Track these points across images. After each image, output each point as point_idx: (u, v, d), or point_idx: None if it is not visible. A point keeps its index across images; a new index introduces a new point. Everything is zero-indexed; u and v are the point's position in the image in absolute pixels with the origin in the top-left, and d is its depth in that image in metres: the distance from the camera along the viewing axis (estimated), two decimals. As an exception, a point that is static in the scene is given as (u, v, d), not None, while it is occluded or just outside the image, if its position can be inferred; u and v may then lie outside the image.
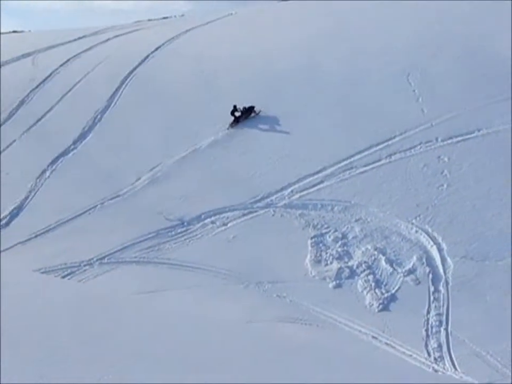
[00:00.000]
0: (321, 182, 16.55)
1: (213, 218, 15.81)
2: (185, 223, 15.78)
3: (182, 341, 6.35)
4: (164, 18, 39.99)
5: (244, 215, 15.80)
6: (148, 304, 9.59)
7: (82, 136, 20.56)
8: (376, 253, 13.71)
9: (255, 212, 15.89)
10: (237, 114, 22.55)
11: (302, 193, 16.23)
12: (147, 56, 25.82)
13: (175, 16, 40.86)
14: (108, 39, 29.01)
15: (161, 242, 15.09)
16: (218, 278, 13.52)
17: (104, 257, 14.54)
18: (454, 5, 29.65)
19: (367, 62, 23.27)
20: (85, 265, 14.28)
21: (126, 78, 23.79)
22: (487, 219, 14.04)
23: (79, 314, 6.16)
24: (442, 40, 24.47)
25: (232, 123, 22.39)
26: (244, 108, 22.70)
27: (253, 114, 22.91)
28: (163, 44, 27.19)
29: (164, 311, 8.11)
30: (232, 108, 22.29)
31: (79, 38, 29.45)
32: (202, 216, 15.91)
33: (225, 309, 11.64)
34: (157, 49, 26.66)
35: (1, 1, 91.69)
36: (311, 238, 14.47)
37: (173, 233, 15.44)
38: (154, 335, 6.22)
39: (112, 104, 22.19)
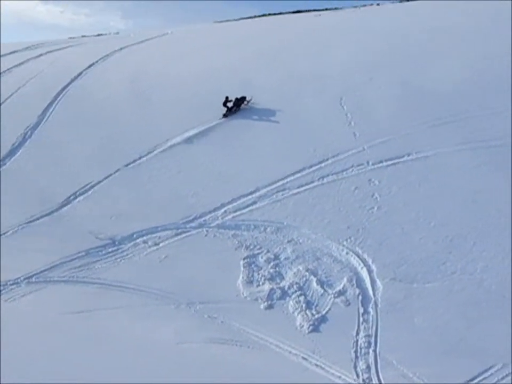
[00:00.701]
0: (255, 202, 16.82)
1: (144, 237, 15.79)
2: (117, 242, 15.67)
3: (112, 361, 6.32)
4: (98, 35, 39.78)
5: (176, 234, 15.84)
6: (77, 324, 9.46)
7: (12, 152, 20.16)
8: (307, 274, 14.01)
9: (188, 231, 15.95)
10: (229, 104, 23.70)
11: (235, 214, 16.43)
12: (80, 73, 25.62)
13: (109, 34, 40.75)
14: (41, 55, 28.67)
15: (91, 261, 14.92)
16: (149, 298, 13.44)
17: (31, 276, 14.21)
18: (390, 32, 31.01)
19: (302, 85, 23.95)
20: (11, 284, 13.90)
21: (58, 94, 23.50)
22: (415, 242, 14.58)
23: (3, 334, 6.02)
24: (376, 66, 25.51)
25: (225, 113, 23.47)
26: (236, 99, 23.94)
27: (245, 103, 24.19)
28: (97, 61, 27.06)
29: (93, 332, 8.03)
30: (224, 99, 23.40)
31: (11, 52, 28.89)
32: (134, 236, 15.86)
33: (156, 330, 11.59)
34: (90, 66, 26.49)
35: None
36: (244, 259, 14.65)
37: (104, 252, 15.30)
38: (82, 355, 6.16)
39: (44, 121, 21.85)
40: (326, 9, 53.16)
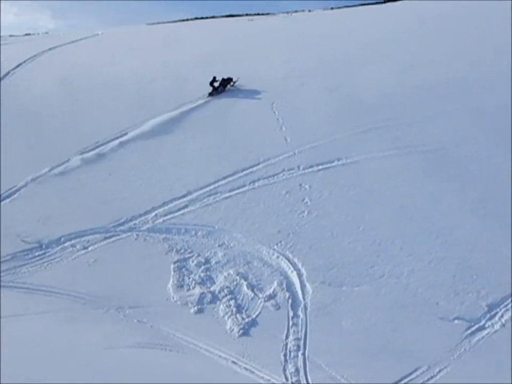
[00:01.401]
0: (186, 206, 16.86)
1: (73, 241, 15.55)
2: (44, 246, 15.38)
3: (39, 366, 6.27)
4: (27, 35, 38.84)
5: (105, 238, 15.67)
6: (3, 329, 9.25)
7: None
8: (238, 278, 14.15)
9: (118, 235, 15.83)
10: (216, 84, 25.01)
11: (166, 217, 16.42)
12: (8, 73, 24.95)
13: (38, 34, 39.82)
14: (-36, 55, 27.76)
15: (18, 265, 14.63)
16: (77, 303, 13.25)
17: (-46, 281, 13.80)
18: (321, 39, 31.70)
19: (234, 88, 24.27)
20: None
21: (-17, 95, 22.84)
22: (344, 246, 14.95)
23: None
24: (308, 72, 26.08)
25: (211, 92, 24.82)
26: (223, 79, 25.30)
27: (231, 83, 25.57)
28: (25, 61, 26.44)
29: (20, 336, 7.88)
30: (211, 79, 24.74)
31: None
32: (62, 239, 15.60)
33: (84, 335, 11.41)
34: (18, 66, 25.85)
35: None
36: (174, 263, 14.65)
37: (30, 256, 15.01)
38: (10, 360, 6.08)
39: (-33, 122, 21.17)
40: (258, 14, 53.85)
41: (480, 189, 16.92)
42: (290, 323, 12.80)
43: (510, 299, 12.87)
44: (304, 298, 13.45)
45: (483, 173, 17.68)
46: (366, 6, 59.62)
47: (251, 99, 23.64)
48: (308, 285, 13.78)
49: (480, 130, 20.23)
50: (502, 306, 12.78)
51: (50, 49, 29.50)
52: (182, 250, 15.14)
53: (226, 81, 25.56)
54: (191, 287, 13.93)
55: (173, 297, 13.62)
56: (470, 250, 14.44)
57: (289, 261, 14.56)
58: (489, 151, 18.79)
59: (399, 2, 59.80)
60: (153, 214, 16.60)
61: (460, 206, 16.18)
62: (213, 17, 52.74)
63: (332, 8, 59.62)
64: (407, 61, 28.71)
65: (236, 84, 25.70)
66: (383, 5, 59.07)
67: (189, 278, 14.19)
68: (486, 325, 12.42)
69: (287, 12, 54.13)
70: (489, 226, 15.23)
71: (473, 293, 13.20)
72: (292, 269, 14.30)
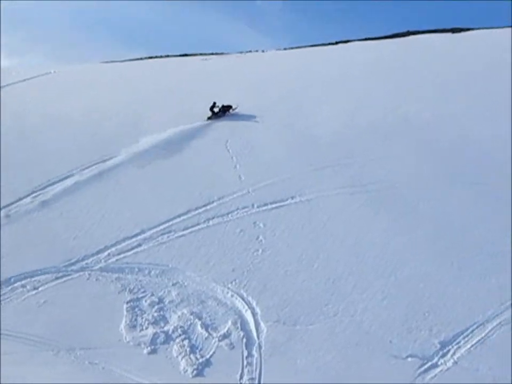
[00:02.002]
0: (139, 245, 16.75)
1: (23, 281, 15.18)
2: (-7, 287, 15.03)
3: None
4: (-23, 73, 38.28)
5: (56, 278, 15.36)
6: None
7: None
8: (192, 317, 14.05)
9: (69, 275, 15.54)
10: (215, 110, 26.70)
11: (119, 257, 16.25)
12: (-44, 112, 24.65)
13: (-11, 71, 39.32)
14: None
15: (-36, 306, 14.23)
16: (27, 345, 12.92)
17: None
18: (274, 78, 32.40)
19: (187, 127, 24.53)
20: None
21: None
22: (298, 284, 15.04)
23: None
24: (261, 110, 26.55)
25: (210, 117, 26.51)
26: (223, 106, 27.05)
27: (230, 111, 27.28)
28: (-25, 99, 26.16)
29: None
30: (211, 104, 26.48)
31: None
32: (12, 280, 15.22)
33: (33, 378, 11.13)
34: (-33, 104, 25.57)
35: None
36: (127, 303, 14.44)
37: (-22, 297, 14.62)
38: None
39: None
40: (212, 53, 54.78)
41: (430, 227, 17.39)
42: (245, 363, 12.73)
43: (461, 336, 13.15)
44: (258, 337, 13.42)
45: (432, 211, 18.21)
46: (317, 47, 61.39)
47: (205, 137, 23.88)
48: (262, 324, 13.77)
49: (429, 169, 20.94)
50: (454, 343, 13.02)
51: (2, 87, 29.36)
52: (135, 290, 14.98)
53: (226, 108, 27.14)
54: (144, 327, 13.74)
55: (126, 338, 13.39)
56: (422, 288, 14.74)
57: (243, 299, 14.56)
58: (438, 190, 19.42)
59: (350, 43, 61.84)
60: (105, 253, 16.40)
61: (410, 243, 16.57)
62: (167, 56, 53.34)
63: (284, 49, 61.18)
64: (359, 100, 29.58)
65: (235, 111, 27.14)
66: (335, 46, 60.92)
67: (142, 318, 14.01)
68: (439, 363, 12.60)
69: (241, 52, 55.29)
70: (440, 264, 15.63)
71: (425, 330, 13.43)
72: (246, 307, 14.29)
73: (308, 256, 16.20)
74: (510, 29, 60.58)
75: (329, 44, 64.08)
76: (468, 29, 62.20)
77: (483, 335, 13.09)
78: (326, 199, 19.01)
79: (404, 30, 66.66)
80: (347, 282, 15.10)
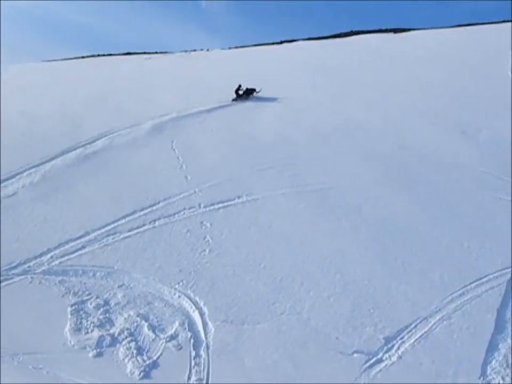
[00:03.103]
0: (83, 247, 16.50)
1: (-38, 285, 14.80)
2: None
3: None
4: None
5: (-3, 282, 15.09)
6: None
7: None
8: (138, 319, 13.94)
9: (11, 279, 15.16)
10: (240, 92, 30.16)
11: (62, 259, 15.94)
12: None
13: None
14: None
15: None
16: (-33, 351, 12.64)
17: None
18: (219, 78, 32.45)
19: (133, 127, 24.29)
20: None
21: None
22: (245, 284, 15.11)
23: None
24: (208, 109, 26.59)
25: (234, 98, 29.78)
26: (247, 88, 30.58)
27: (254, 94, 30.71)
28: None
29: None
30: (237, 86, 29.98)
31: None
32: (-50, 284, 14.79)
33: (-25, 383, 10.88)
34: None
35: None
36: (71, 306, 14.20)
37: None
38: None
39: None
40: (156, 52, 54.61)
41: (373, 225, 17.74)
42: (193, 363, 12.71)
43: (405, 331, 13.45)
44: (206, 338, 13.41)
45: (375, 210, 18.58)
46: (262, 46, 61.92)
47: (150, 137, 23.73)
48: (210, 324, 13.77)
49: (371, 170, 21.43)
50: (398, 338, 13.30)
51: None
52: (80, 293, 14.74)
53: (250, 91, 30.41)
54: (89, 330, 13.54)
55: (70, 342, 13.17)
56: (367, 285, 15.02)
57: (191, 300, 14.53)
58: (380, 190, 19.88)
59: (295, 43, 62.48)
60: (48, 255, 16.07)
61: (355, 242, 16.87)
62: (110, 54, 52.80)
63: (229, 48, 61.47)
64: (302, 101, 29.96)
65: (258, 94, 30.45)
66: (280, 46, 61.52)
67: (87, 321, 13.80)
68: (384, 358, 12.83)
69: (185, 51, 55.25)
70: (384, 261, 15.96)
71: (370, 326, 13.67)
72: (194, 308, 14.27)
73: (255, 255, 16.30)
74: (450, 29, 62.58)
75: (274, 43, 64.79)
76: (409, 29, 63.94)
77: (426, 329, 13.42)
78: (272, 199, 19.22)
79: (347, 30, 68.09)
80: (294, 281, 15.25)
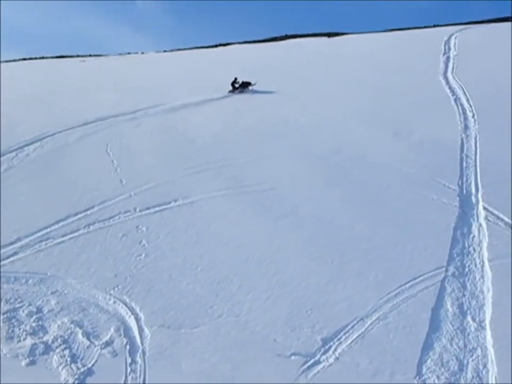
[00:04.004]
0: (16, 253, 16.17)
1: None
2: None
3: None
4: None
5: None
6: None
7: None
8: (72, 326, 13.73)
9: None
10: (236, 85, 32.14)
11: (-6, 266, 15.66)
12: None
13: None
14: None
15: None
16: None
17: None
18: (153, 80, 32.24)
19: (67, 130, 23.90)
20: None
21: None
22: (183, 287, 15.12)
23: None
24: (141, 112, 26.39)
25: (230, 91, 31.73)
26: (243, 82, 32.60)
27: (249, 87, 32.60)
28: None
29: None
30: (233, 79, 32.01)
31: None
32: None
33: None
34: None
35: None
36: (3, 314, 13.88)
37: None
38: None
39: None
40: (90, 55, 53.91)
41: (310, 226, 18.04)
42: (128, 369, 12.59)
43: (342, 332, 13.69)
44: (142, 343, 13.32)
45: (312, 211, 18.89)
46: (197, 50, 62.03)
47: (84, 141, 23.40)
48: (146, 329, 13.70)
49: (308, 170, 21.78)
50: (335, 339, 13.50)
51: None
52: (12, 300, 14.42)
53: (246, 84, 32.23)
54: (21, 338, 13.25)
55: (2, 350, 12.87)
56: (304, 286, 15.24)
57: (126, 305, 14.44)
58: (317, 190, 20.23)
59: (230, 46, 62.75)
60: (-21, 262, 15.70)
61: (293, 243, 17.11)
62: (43, 57, 51.66)
63: (164, 51, 61.25)
64: (239, 102, 30.16)
65: (253, 87, 32.21)
66: (215, 49, 61.74)
67: (20, 329, 13.51)
68: (321, 359, 13.00)
69: (120, 54, 54.77)
70: (321, 262, 16.24)
71: (308, 328, 13.86)
72: (130, 313, 14.19)
73: (192, 259, 16.33)
74: (383, 33, 64.21)
75: (210, 46, 64.99)
76: (343, 33, 65.38)
77: (363, 329, 13.70)
78: (209, 201, 19.29)
79: (282, 33, 69.06)
80: (232, 283, 15.36)
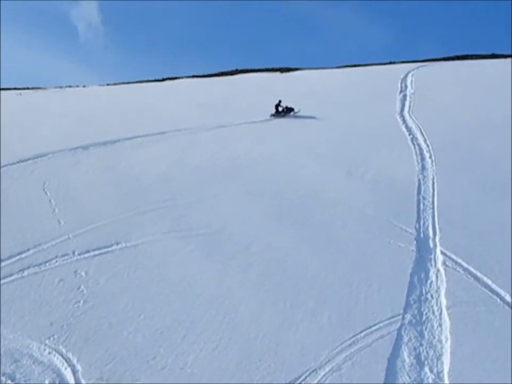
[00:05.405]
0: None
1: None
2: None
3: None
4: None
5: None
6: None
7: None
8: (4, 378, 13.18)
9: None
10: (280, 109, 35.56)
11: None
12: None
13: None
14: None
15: None
16: None
17: None
18: (97, 115, 32.24)
19: (7, 167, 23.66)
20: None
21: None
22: (123, 337, 14.73)
23: None
24: (83, 149, 26.31)
25: (273, 114, 35.38)
26: (286, 107, 36.37)
27: (292, 113, 36.34)
28: None
29: None
30: (277, 102, 35.75)
31: None
32: None
33: None
34: None
35: None
36: None
37: None
38: None
39: None
40: (28, 88, 53.73)
41: (262, 266, 17.95)
42: (64, 427, 12.38)
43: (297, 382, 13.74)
44: (72, 400, 12.98)
45: (264, 251, 18.89)
46: (142, 83, 62.60)
47: (19, 179, 23.12)
48: (83, 382, 13.22)
49: (259, 209, 21.98)
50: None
51: None
52: None
53: (289, 109, 35.68)
54: None
55: None
56: (255, 331, 15.05)
57: (62, 356, 13.98)
58: (269, 229, 20.34)
59: (178, 80, 63.41)
60: None
61: (244, 285, 16.98)
62: (-24, 90, 51.38)
63: (107, 84, 61.55)
64: (188, 139, 30.38)
65: (296, 113, 35.65)
66: (162, 83, 62.39)
67: None
68: (270, 410, 13.08)
69: (60, 87, 54.68)
70: (273, 303, 16.20)
71: (258, 380, 13.70)
72: (66, 365, 13.74)
73: (134, 305, 16.01)
74: (338, 69, 66.01)
75: (156, 80, 65.61)
76: (296, 69, 67.12)
77: (315, 382, 13.75)
78: (154, 244, 19.09)
79: (233, 68, 70.40)
80: (177, 332, 15.08)
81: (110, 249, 18.65)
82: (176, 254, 18.64)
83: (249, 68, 69.45)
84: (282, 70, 66.46)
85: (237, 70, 68.84)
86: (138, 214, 20.99)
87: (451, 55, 70.98)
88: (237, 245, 19.31)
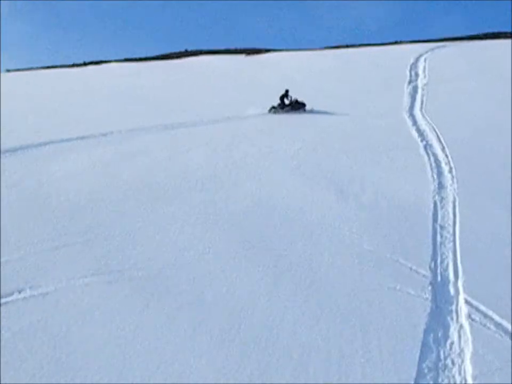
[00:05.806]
0: None
1: None
2: None
3: None
4: None
5: None
6: None
7: None
8: None
9: None
10: (286, 101, 37.30)
11: None
12: None
13: None
14: None
15: None
16: None
17: None
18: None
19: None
20: None
21: None
22: None
23: None
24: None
25: (275, 107, 37.86)
26: (296, 100, 39.15)
27: (301, 110, 38.61)
28: None
29: None
30: (284, 92, 37.31)
31: None
32: None
33: None
34: None
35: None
36: None
37: None
38: None
39: None
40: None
41: (222, 321, 17.00)
42: None
43: None
44: None
45: (221, 297, 17.81)
46: (58, 69, 62.90)
47: None
48: None
49: (218, 239, 20.71)
50: None
51: None
52: None
53: (299, 104, 38.65)
54: None
55: None
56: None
57: None
58: (230, 268, 18.90)
59: (104, 64, 63.81)
60: None
61: (195, 345, 14.88)
62: None
63: (8, 71, 62.18)
64: (114, 147, 30.46)
65: (306, 110, 37.96)
66: (84, 68, 62.74)
67: None
68: None
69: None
70: (232, 373, 16.08)
71: None
72: None
73: (46, 372, 15.49)
74: (316, 51, 66.96)
75: (76, 65, 65.89)
76: (267, 50, 68.00)
77: None
78: (71, 292, 16.29)
79: (181, 49, 70.82)
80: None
81: (11, 298, 17.22)
82: (103, 304, 16.98)
83: (203, 49, 69.87)
84: (248, 51, 66.96)
85: (186, 51, 69.05)
86: (49, 250, 19.25)
87: (476, 33, 72.32)
88: (184, 293, 16.47)
